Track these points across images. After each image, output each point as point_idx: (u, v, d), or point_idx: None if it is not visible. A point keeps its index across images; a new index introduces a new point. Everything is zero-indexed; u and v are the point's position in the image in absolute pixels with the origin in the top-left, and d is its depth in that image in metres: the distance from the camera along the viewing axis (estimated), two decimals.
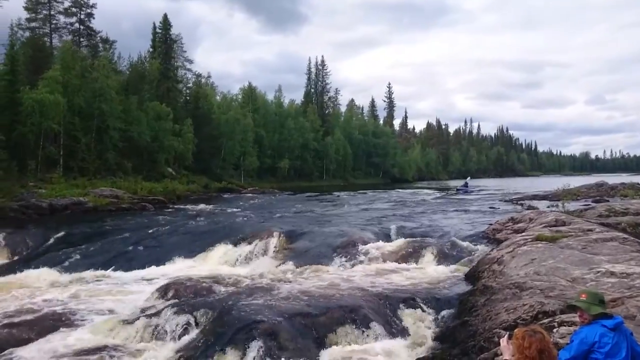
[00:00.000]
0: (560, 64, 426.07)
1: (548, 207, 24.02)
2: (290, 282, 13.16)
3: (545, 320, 7.33)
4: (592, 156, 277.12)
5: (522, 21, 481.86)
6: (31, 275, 15.35)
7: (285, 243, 17.96)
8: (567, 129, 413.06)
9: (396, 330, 9.76)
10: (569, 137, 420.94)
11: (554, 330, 6.77)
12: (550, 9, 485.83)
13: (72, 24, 55.00)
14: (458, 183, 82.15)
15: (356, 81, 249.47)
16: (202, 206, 34.10)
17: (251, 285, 12.68)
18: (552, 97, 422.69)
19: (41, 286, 14.14)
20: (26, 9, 52.54)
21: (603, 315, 4.21)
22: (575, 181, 40.36)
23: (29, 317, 11.13)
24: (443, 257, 15.11)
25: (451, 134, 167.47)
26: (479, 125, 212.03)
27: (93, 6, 54.94)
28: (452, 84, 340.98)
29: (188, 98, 66.51)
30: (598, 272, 9.36)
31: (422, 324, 10.00)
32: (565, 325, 6.85)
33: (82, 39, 55.41)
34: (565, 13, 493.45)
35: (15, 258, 18.26)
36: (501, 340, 4.17)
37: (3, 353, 9.18)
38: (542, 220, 16.06)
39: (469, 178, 60.57)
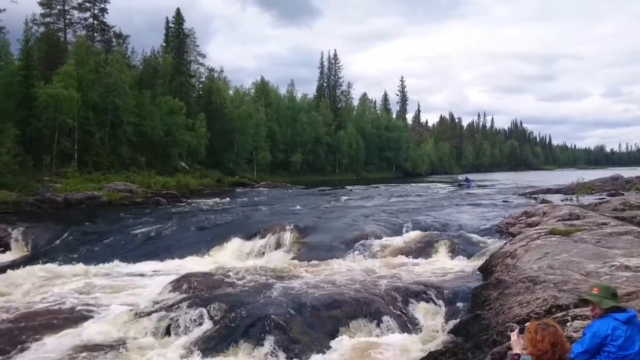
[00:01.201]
0: (576, 56, 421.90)
1: (562, 200, 23.90)
2: (303, 275, 13.21)
3: (559, 314, 7.30)
4: (608, 149, 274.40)
5: (536, 13, 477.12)
6: (47, 269, 15.50)
7: (298, 237, 18.00)
8: (582, 122, 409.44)
9: (409, 323, 9.77)
10: (584, 131, 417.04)
11: (568, 324, 6.74)
12: (565, 1, 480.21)
13: (85, 19, 55.37)
14: (473, 177, 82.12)
15: (369, 75, 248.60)
16: (215, 200, 34.24)
17: (264, 278, 12.73)
18: (567, 90, 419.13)
19: (57, 280, 14.28)
20: (40, 4, 52.95)
21: (615, 308, 4.20)
22: (590, 175, 40.05)
23: (44, 310, 11.27)
24: (456, 251, 15.06)
25: (464, 128, 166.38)
26: (492, 119, 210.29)
27: (106, 1, 55.29)
28: (465, 77, 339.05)
29: (201, 92, 66.71)
30: (612, 265, 9.30)
31: (434, 318, 10.01)
32: (579, 319, 6.81)
33: (95, 34, 55.75)
34: (580, 5, 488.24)
35: (31, 252, 18.46)
36: (511, 335, 4.16)
37: (20, 346, 9.31)
38: (556, 214, 15.98)
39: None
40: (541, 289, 8.82)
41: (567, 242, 11.55)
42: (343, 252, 16.07)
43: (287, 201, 33.46)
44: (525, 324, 4.00)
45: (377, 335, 9.24)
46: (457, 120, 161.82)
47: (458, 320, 9.59)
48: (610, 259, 9.76)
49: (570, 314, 7.14)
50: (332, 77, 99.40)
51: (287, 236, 17.93)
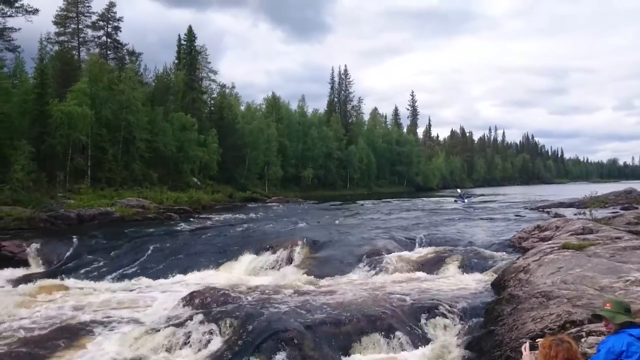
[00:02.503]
0: (587, 69, 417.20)
1: (575, 214, 23.71)
2: (314, 291, 13.18)
3: (573, 330, 7.23)
4: (621, 163, 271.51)
5: (547, 27, 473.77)
6: (60, 284, 15.62)
7: (309, 252, 17.99)
8: (595, 135, 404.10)
9: (421, 339, 9.70)
10: (596, 144, 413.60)
11: (582, 340, 6.68)
12: (576, 14, 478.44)
13: (99, 37, 56.24)
14: (485, 191, 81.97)
15: (380, 90, 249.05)
16: (226, 216, 34.33)
17: (275, 294, 12.72)
18: (579, 103, 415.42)
19: (70, 295, 14.37)
20: (55, 23, 53.88)
21: (630, 324, 4.16)
22: (603, 188, 39.76)
23: (58, 327, 11.34)
24: (468, 266, 14.98)
25: (475, 142, 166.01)
26: (503, 133, 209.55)
27: (120, 19, 56.20)
28: (476, 91, 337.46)
29: (212, 108, 67.21)
30: (627, 280, 9.20)
31: (447, 334, 9.94)
32: (593, 335, 6.74)
33: (109, 52, 56.52)
34: (591, 18, 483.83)
35: (45, 267, 18.57)
36: (522, 349, 4.14)
37: None
38: (569, 228, 15.86)
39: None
40: (555, 304, 8.74)
41: (581, 256, 11.44)
42: (355, 267, 16.05)
43: (298, 216, 33.47)
44: (537, 340, 3.97)
45: (389, 352, 9.18)
46: (468, 134, 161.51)
47: (471, 336, 9.52)
48: (625, 273, 9.65)
49: (584, 330, 7.07)
50: (342, 92, 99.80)
51: (299, 251, 17.93)
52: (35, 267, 18.57)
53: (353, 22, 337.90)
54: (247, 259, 17.85)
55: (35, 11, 44.72)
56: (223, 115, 63.44)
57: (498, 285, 12.07)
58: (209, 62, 67.49)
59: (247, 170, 63.91)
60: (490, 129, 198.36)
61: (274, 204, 51.79)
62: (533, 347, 4.04)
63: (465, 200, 46.98)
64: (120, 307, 13.07)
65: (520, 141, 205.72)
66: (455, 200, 48.59)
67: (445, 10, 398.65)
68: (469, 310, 10.67)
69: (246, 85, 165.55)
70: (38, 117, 38.52)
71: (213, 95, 69.18)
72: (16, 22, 46.05)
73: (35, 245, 19.73)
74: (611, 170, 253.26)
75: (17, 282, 16.29)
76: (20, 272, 17.93)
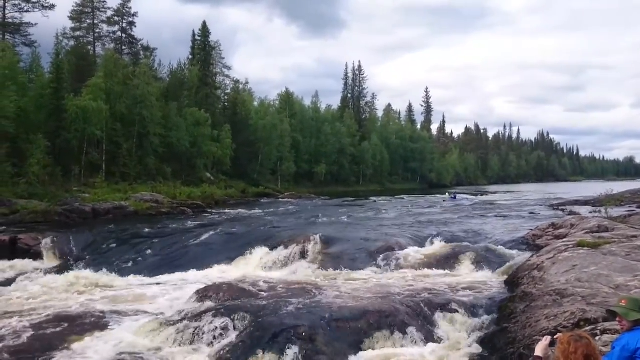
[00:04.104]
0: (605, 66, 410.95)
1: (590, 212, 23.51)
2: (327, 286, 13.18)
3: (588, 328, 7.19)
4: (637, 161, 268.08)
5: (564, 23, 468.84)
6: (76, 277, 15.73)
7: (322, 248, 17.96)
8: (611, 133, 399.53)
9: (434, 335, 9.68)
10: (612, 142, 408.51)
11: (597, 338, 6.64)
12: (594, 10, 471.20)
13: (114, 33, 56.63)
14: (499, 188, 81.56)
15: (394, 86, 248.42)
16: (239, 211, 34.45)
17: (288, 289, 12.75)
18: (596, 101, 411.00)
19: (84, 288, 14.50)
20: (71, 18, 54.34)
21: None
22: (619, 186, 39.39)
23: (72, 317, 11.45)
24: (481, 263, 14.89)
25: (490, 139, 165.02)
26: (518, 130, 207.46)
27: (135, 15, 56.56)
28: (491, 88, 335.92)
29: (226, 104, 67.46)
30: None
31: (459, 330, 9.90)
32: (608, 333, 6.70)
33: (124, 47, 56.88)
34: (610, 14, 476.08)
35: (61, 260, 18.76)
36: (544, 338, 4.11)
37: (49, 354, 9.46)
38: (584, 226, 15.72)
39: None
40: (569, 302, 8.68)
41: (596, 254, 11.33)
42: (367, 263, 16.02)
43: (311, 212, 33.50)
44: (555, 336, 3.94)
45: (402, 347, 9.16)
46: (482, 131, 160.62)
47: (484, 333, 9.49)
48: None
49: (599, 328, 7.03)
50: (356, 88, 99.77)
51: (312, 247, 17.90)
52: (51, 260, 18.77)
53: (368, 17, 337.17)
54: (260, 254, 17.87)
55: (52, 7, 45.36)
56: (236, 111, 63.64)
57: (512, 283, 12.01)
58: (223, 58, 67.91)
59: (260, 166, 64.12)
60: (505, 126, 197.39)
61: (286, 199, 51.89)
62: (552, 344, 4.01)
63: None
64: (134, 300, 13.18)
65: (535, 138, 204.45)
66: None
67: (461, 6, 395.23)
68: (481, 307, 10.63)
69: (260, 81, 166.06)
70: (54, 111, 38.87)
71: (227, 91, 69.48)
72: (33, 17, 46.59)
73: (50, 239, 19.94)
74: (627, 168, 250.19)
75: (32, 274, 16.46)
76: (35, 264, 18.14)
